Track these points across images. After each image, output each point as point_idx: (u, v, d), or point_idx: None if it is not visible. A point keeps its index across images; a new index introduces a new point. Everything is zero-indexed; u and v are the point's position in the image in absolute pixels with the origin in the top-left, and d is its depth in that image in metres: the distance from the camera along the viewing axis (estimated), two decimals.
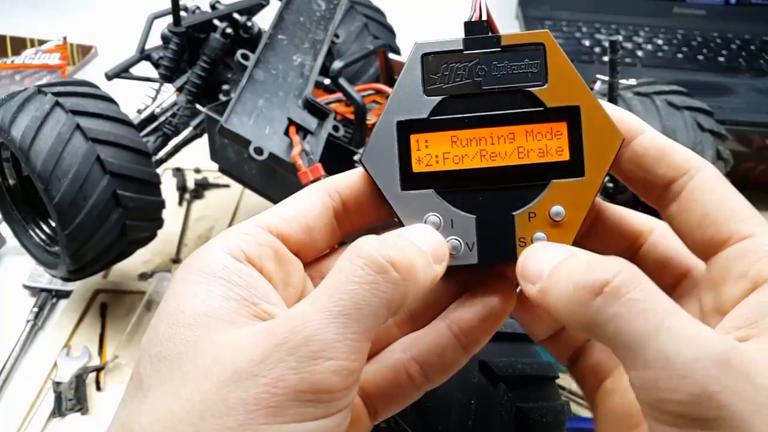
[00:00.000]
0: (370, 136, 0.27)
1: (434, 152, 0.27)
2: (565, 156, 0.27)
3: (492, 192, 0.27)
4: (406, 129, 0.27)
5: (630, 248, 0.29)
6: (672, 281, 0.28)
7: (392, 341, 0.30)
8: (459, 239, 0.27)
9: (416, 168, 0.27)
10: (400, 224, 0.27)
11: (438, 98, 0.27)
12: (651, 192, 0.27)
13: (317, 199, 0.27)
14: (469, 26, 0.28)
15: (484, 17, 0.28)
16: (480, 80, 0.27)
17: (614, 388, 0.28)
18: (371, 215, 0.28)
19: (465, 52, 0.27)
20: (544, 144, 0.27)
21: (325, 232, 0.28)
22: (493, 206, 0.27)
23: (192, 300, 0.24)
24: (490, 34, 0.27)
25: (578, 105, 0.27)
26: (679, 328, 0.21)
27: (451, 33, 0.28)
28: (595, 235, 0.29)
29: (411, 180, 0.27)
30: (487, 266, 0.27)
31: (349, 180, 0.28)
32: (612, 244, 0.29)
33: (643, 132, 0.27)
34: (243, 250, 0.25)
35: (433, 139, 0.27)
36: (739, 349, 0.21)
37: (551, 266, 0.24)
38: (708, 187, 0.26)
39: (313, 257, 0.28)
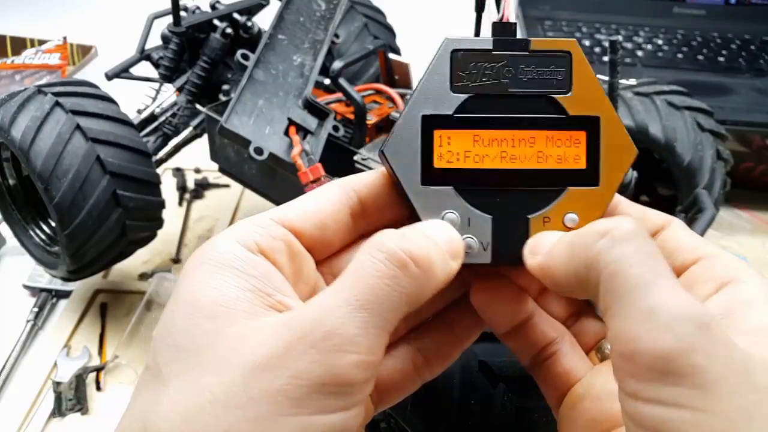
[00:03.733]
0: (393, 128, 0.27)
1: (456, 149, 0.27)
2: (582, 164, 0.27)
3: (509, 194, 0.27)
4: (431, 124, 0.27)
5: None
6: (679, 267, 0.28)
7: (399, 334, 0.30)
8: (474, 238, 0.27)
9: (437, 164, 0.27)
10: (417, 219, 0.27)
11: (464, 96, 0.27)
12: None
13: (333, 196, 0.28)
14: (497, 27, 0.28)
15: (512, 19, 0.28)
16: (507, 82, 0.27)
17: (585, 394, 0.28)
18: (388, 215, 0.29)
19: (494, 53, 0.27)
20: (563, 151, 0.27)
21: (339, 230, 0.28)
22: (510, 208, 0.27)
23: (208, 290, 0.24)
24: (518, 37, 0.28)
25: (598, 116, 0.27)
26: (670, 286, 0.22)
27: (450, 33, 0.29)
28: None
29: (431, 175, 0.27)
30: (498, 266, 0.28)
31: (367, 179, 0.28)
32: None
33: (619, 203, 0.29)
34: (256, 241, 0.25)
35: (456, 136, 0.27)
36: (718, 319, 0.22)
37: (558, 237, 0.26)
38: (679, 231, 0.28)
39: (326, 255, 0.28)
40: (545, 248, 0.26)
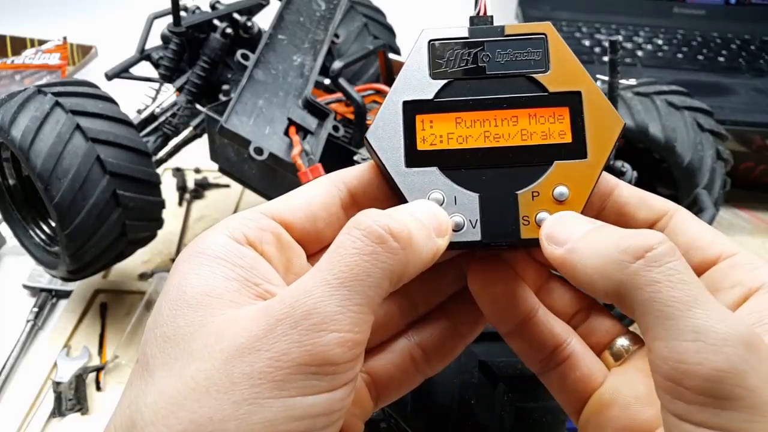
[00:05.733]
0: (376, 115, 0.28)
1: (439, 132, 0.28)
2: (568, 138, 0.27)
3: (495, 171, 0.27)
4: (412, 109, 0.28)
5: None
6: (698, 266, 0.27)
7: (396, 328, 0.30)
8: (462, 216, 0.27)
9: (420, 146, 0.27)
10: (403, 201, 0.27)
11: (443, 81, 0.28)
12: None
13: (323, 189, 0.28)
14: (474, 20, 0.29)
15: (489, 13, 0.29)
16: (484, 66, 0.28)
17: (612, 401, 0.27)
18: (379, 207, 0.28)
19: (470, 40, 0.28)
20: (547, 127, 0.27)
21: (331, 222, 0.28)
22: (497, 185, 0.27)
23: (194, 280, 0.24)
24: (494, 25, 0.28)
25: (580, 90, 0.27)
26: (712, 305, 0.21)
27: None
28: (611, 214, 0.28)
29: (415, 157, 0.27)
30: (490, 247, 0.27)
31: (356, 172, 0.28)
32: (629, 223, 0.28)
33: (618, 185, 0.28)
34: (244, 233, 0.25)
35: (438, 119, 0.28)
36: (760, 336, 0.21)
37: (584, 231, 0.25)
38: (688, 222, 0.27)
39: (319, 248, 0.28)
40: (569, 240, 0.25)
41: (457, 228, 0.27)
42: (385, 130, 0.28)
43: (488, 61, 0.28)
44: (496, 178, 0.27)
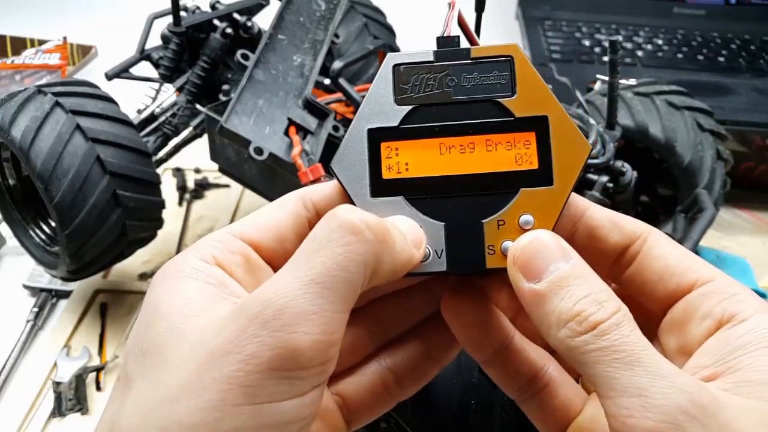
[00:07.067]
0: (341, 143, 0.27)
1: (404, 160, 0.27)
2: (534, 165, 0.27)
3: (461, 200, 0.27)
4: (377, 136, 0.27)
5: (621, 254, 0.28)
6: (673, 294, 0.27)
7: (366, 351, 0.30)
8: (428, 246, 0.27)
9: (386, 175, 0.27)
10: None
11: (409, 107, 0.27)
12: (604, 261, 0.28)
13: (291, 208, 0.27)
14: (441, 41, 0.28)
15: (455, 33, 0.28)
16: (450, 90, 0.27)
17: (590, 429, 0.28)
18: None
19: (435, 64, 0.28)
20: (513, 153, 0.27)
21: (299, 242, 0.27)
22: (462, 214, 0.27)
23: (165, 298, 0.24)
24: (460, 47, 0.28)
25: (546, 115, 0.27)
26: (653, 363, 0.22)
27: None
28: (582, 237, 0.28)
29: (380, 187, 0.27)
30: (457, 276, 0.27)
31: (324, 192, 0.28)
32: (602, 247, 0.28)
33: (589, 207, 0.28)
34: (214, 255, 0.25)
35: (403, 147, 0.27)
36: (705, 388, 0.22)
37: (555, 275, 0.24)
38: (664, 245, 0.27)
39: None
40: (540, 277, 0.24)
41: (424, 258, 0.26)
42: (350, 158, 0.27)
43: (454, 85, 0.27)
44: (462, 207, 0.27)
